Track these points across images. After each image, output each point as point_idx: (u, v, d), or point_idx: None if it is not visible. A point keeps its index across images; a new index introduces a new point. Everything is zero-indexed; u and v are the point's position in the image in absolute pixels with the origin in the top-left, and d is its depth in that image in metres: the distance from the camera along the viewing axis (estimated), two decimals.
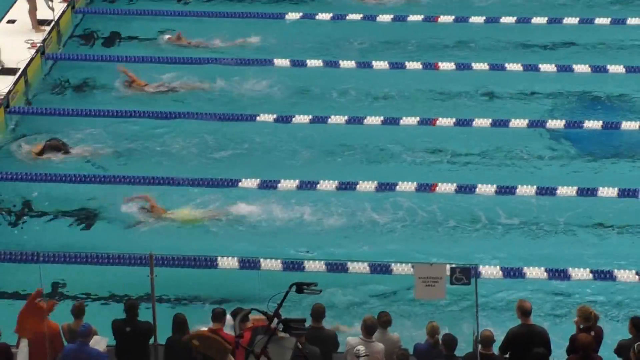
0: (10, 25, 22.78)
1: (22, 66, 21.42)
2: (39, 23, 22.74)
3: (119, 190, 18.31)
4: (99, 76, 21.78)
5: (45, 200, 18.27)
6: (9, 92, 20.67)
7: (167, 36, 22.96)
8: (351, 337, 13.30)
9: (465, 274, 12.93)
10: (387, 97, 21.23)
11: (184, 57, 22.19)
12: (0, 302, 16.09)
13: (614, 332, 14.02)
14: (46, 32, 22.58)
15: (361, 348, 12.79)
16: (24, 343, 13.47)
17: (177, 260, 16.38)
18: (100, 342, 13.48)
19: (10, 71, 21.24)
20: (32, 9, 22.56)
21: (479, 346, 13.02)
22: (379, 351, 13.08)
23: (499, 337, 13.22)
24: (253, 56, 22.29)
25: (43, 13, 22.90)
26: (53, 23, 22.90)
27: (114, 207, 17.97)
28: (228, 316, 13.46)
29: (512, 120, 20.14)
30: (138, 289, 15.19)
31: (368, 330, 13.15)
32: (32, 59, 21.75)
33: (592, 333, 12.98)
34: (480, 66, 21.88)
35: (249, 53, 22.52)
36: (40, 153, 19.11)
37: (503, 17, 23.53)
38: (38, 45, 22.19)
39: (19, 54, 21.69)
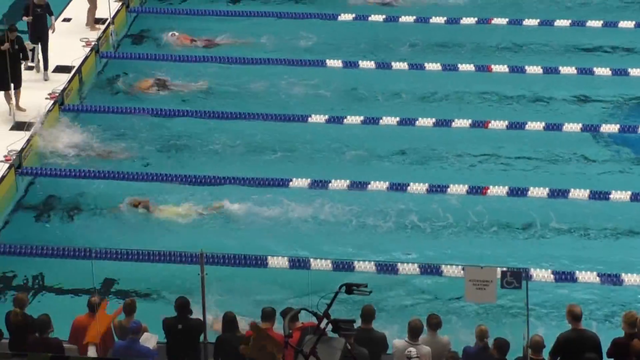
0: (65, 23, 22.99)
1: (76, 64, 21.61)
2: (95, 22, 22.93)
3: (167, 188, 18.41)
4: (151, 75, 21.90)
5: (99, 198, 18.39)
6: (64, 89, 20.86)
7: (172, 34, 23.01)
8: (397, 340, 13.26)
9: (516, 278, 12.84)
10: (439, 99, 21.17)
11: (236, 56, 22.27)
12: (54, 298, 16.23)
13: None
14: (101, 31, 22.76)
15: (413, 350, 12.76)
16: (92, 350, 13.53)
17: (228, 259, 16.44)
18: (151, 340, 13.55)
19: (65, 69, 21.44)
20: (92, 8, 22.74)
21: (529, 351, 12.92)
22: (425, 354, 13.03)
23: (549, 342, 13.11)
24: (305, 57, 22.33)
25: (99, 12, 23.07)
26: (108, 22, 23.09)
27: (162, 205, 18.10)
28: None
29: (566, 124, 19.99)
30: (188, 287, 15.27)
31: (413, 332, 13.10)
32: (86, 57, 21.93)
33: (635, 339, 12.84)
34: (533, 69, 21.75)
35: (301, 54, 22.56)
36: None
37: (557, 20, 23.37)
38: (93, 43, 22.38)
39: (73, 52, 21.88)
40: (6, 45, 19.25)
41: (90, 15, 22.79)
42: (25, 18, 20.83)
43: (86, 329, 13.52)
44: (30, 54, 20.92)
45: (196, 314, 13.56)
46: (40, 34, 20.99)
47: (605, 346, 13.11)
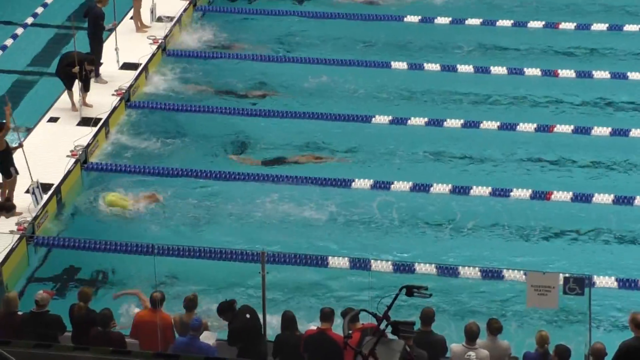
0: (132, 22, 23.15)
1: (143, 61, 21.80)
2: (158, 20, 23.12)
3: (233, 186, 18.51)
4: (219, 73, 22.06)
5: (164, 196, 18.55)
6: (130, 86, 21.06)
7: None
8: (455, 344, 13.22)
9: (579, 284, 12.74)
10: (504, 102, 21.05)
11: (301, 56, 22.34)
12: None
13: None
14: (168, 29, 22.94)
15: (472, 354, 12.71)
16: None
17: (288, 258, 16.48)
18: (210, 337, 13.63)
19: (132, 66, 21.64)
20: (137, 11, 22.89)
21: (591, 358, 12.79)
22: (484, 358, 12.98)
23: (611, 351, 12.97)
24: (370, 58, 22.34)
25: (164, 9, 23.29)
26: (175, 19, 23.28)
27: (236, 205, 18.18)
28: None
29: (632, 129, 19.75)
30: (249, 285, 15.37)
31: (468, 336, 13.05)
32: (153, 55, 22.11)
33: None
34: (601, 74, 21.52)
35: (367, 55, 22.56)
36: None
37: (626, 25, 23.14)
38: (159, 41, 22.56)
39: (140, 50, 22.08)
40: (77, 69, 19.46)
41: (137, 18, 22.94)
42: (111, 26, 20.94)
43: (148, 324, 13.64)
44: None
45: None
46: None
47: None
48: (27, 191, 17.32)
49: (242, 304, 13.78)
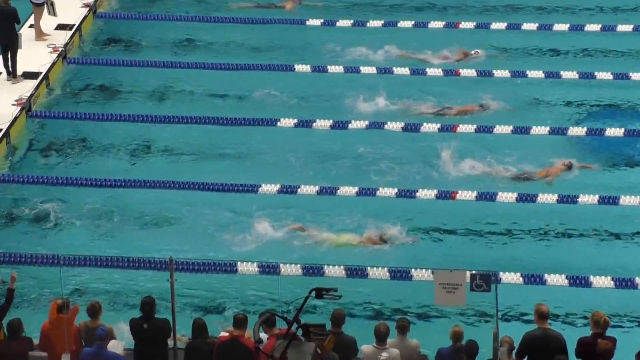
0: (31, 30, 22.84)
1: (43, 70, 21.51)
2: (60, 28, 22.83)
3: (139, 193, 18.37)
4: (120, 80, 21.87)
5: (65, 203, 18.33)
6: (31, 96, 20.76)
7: None
8: (365, 346, 13.29)
9: (486, 281, 12.90)
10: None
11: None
12: (23, 308, 16.08)
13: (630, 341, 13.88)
14: (68, 37, 22.67)
15: (384, 354, 12.79)
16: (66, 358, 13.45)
17: (197, 266, 16.40)
18: (117, 346, 13.46)
19: (32, 75, 21.34)
20: (38, 18, 22.63)
21: (499, 353, 12.96)
22: (395, 357, 13.07)
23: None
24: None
25: (66, 17, 23.03)
26: (75, 27, 23.02)
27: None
28: None
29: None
30: (157, 294, 15.22)
31: (378, 336, 13.15)
32: (53, 63, 21.83)
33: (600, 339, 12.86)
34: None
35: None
36: None
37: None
38: (60, 49, 22.29)
39: (40, 59, 21.78)
40: None
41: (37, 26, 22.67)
42: None
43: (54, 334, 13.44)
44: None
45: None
46: (8, 41, 20.92)
47: (570, 346, 13.15)
48: None
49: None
